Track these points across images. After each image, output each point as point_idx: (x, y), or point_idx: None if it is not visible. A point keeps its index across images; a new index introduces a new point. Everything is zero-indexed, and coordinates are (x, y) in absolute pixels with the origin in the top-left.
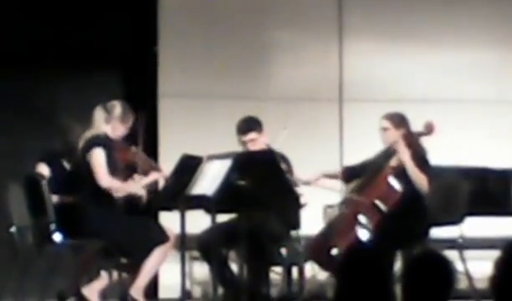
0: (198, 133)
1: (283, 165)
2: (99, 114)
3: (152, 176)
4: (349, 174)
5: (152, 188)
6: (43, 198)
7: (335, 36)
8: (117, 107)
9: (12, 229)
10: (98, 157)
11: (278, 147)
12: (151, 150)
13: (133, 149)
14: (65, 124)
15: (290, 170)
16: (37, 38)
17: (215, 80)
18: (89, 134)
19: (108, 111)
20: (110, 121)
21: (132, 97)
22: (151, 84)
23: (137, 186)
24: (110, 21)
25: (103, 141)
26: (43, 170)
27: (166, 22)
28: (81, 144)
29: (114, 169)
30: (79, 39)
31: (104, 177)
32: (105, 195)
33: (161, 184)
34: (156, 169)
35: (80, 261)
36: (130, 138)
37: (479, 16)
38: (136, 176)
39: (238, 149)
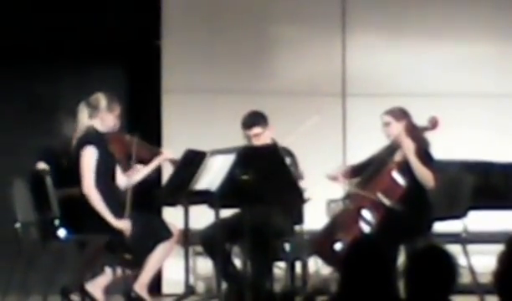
0: (202, 128)
1: (288, 160)
2: (82, 110)
3: (155, 163)
4: (355, 172)
5: (156, 175)
6: (47, 194)
7: (338, 30)
8: (101, 99)
9: (17, 225)
10: (88, 160)
11: (302, 131)
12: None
13: (127, 137)
14: (70, 120)
15: (295, 165)
16: (39, 34)
17: (219, 75)
18: (78, 132)
19: (92, 106)
20: (97, 115)
21: (136, 92)
22: (154, 80)
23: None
24: (113, 16)
25: (94, 138)
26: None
27: (170, 17)
28: (74, 143)
29: (111, 164)
30: (81, 34)
31: (87, 184)
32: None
33: (167, 166)
34: (157, 153)
35: (85, 256)
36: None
37: (481, 9)
38: (139, 166)
39: (242, 143)
